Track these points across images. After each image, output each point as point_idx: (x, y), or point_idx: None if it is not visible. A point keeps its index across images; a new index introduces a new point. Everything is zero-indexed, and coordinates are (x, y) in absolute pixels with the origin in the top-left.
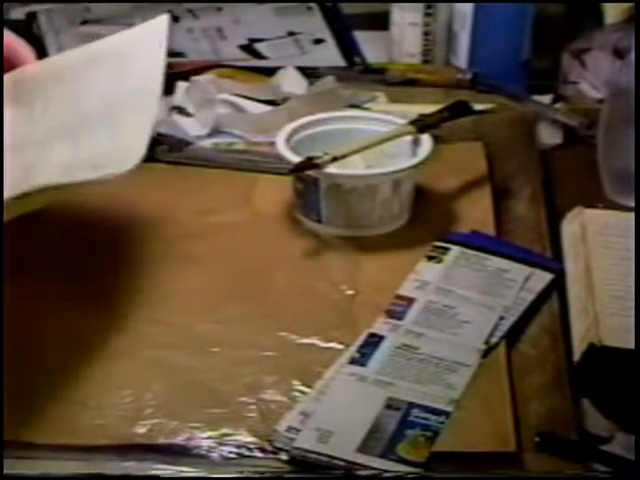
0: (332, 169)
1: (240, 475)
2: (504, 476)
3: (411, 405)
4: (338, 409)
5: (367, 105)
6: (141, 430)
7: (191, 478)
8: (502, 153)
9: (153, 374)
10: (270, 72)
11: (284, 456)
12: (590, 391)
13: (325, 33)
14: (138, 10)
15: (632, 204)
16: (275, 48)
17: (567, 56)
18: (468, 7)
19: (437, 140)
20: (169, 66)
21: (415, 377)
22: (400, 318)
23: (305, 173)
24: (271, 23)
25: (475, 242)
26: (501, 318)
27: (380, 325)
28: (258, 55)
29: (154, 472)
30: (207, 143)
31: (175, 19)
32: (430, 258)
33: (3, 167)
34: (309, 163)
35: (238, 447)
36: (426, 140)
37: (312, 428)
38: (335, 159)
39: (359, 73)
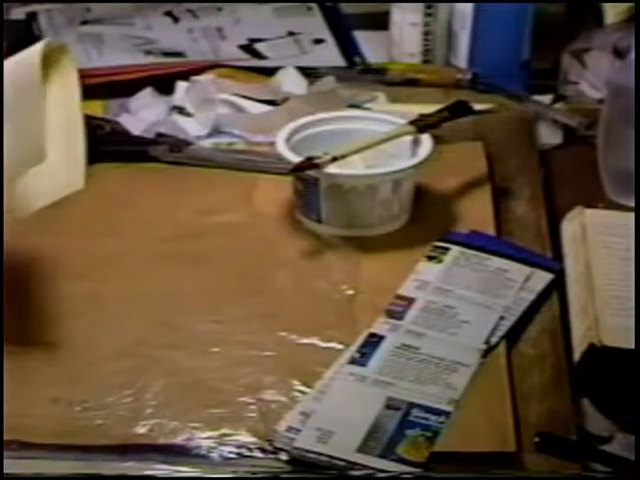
0: (332, 169)
1: (240, 475)
2: (504, 476)
3: (411, 405)
4: (338, 409)
5: (367, 105)
6: (141, 430)
7: (191, 478)
8: (502, 153)
9: (153, 374)
10: (270, 72)
11: (284, 456)
12: (590, 391)
13: (325, 33)
14: (138, 10)
15: (632, 204)
16: (275, 48)
17: (567, 56)
18: (468, 7)
19: (437, 140)
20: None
21: (415, 377)
22: (400, 318)
23: (305, 173)
24: (271, 23)
25: (475, 242)
26: (501, 318)
27: (380, 325)
28: (258, 55)
29: (154, 472)
30: (207, 143)
31: (175, 19)
32: (430, 258)
33: (3, 169)
34: (309, 163)
35: (238, 447)
36: (426, 140)
37: (312, 428)
38: (335, 159)
39: (359, 73)
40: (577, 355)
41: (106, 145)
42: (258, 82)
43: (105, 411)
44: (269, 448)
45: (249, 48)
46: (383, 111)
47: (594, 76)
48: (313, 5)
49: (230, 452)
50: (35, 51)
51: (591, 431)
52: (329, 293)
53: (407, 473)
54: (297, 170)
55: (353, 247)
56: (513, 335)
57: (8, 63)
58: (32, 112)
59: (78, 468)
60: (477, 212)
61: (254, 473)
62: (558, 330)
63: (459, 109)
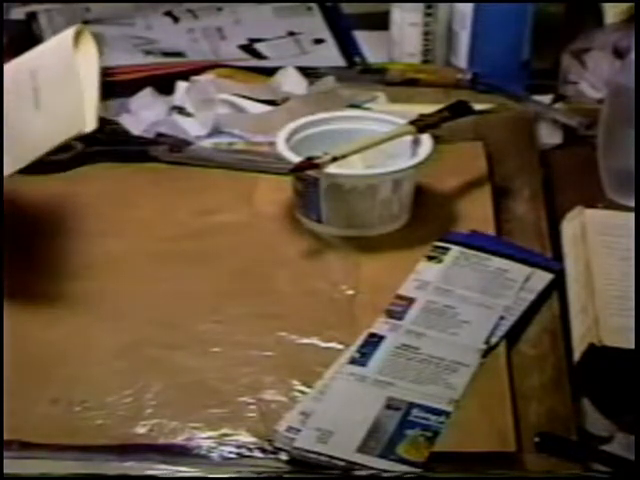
0: (332, 169)
1: (240, 475)
2: (504, 476)
3: (411, 405)
4: (338, 409)
5: (367, 105)
6: (141, 430)
7: (190, 478)
8: (502, 153)
9: (153, 374)
10: (270, 72)
11: (284, 456)
12: (590, 391)
13: (325, 33)
14: (138, 10)
15: (632, 204)
16: (275, 48)
17: (567, 56)
18: (468, 7)
19: (437, 140)
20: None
21: (415, 377)
22: (400, 318)
23: (305, 173)
24: (271, 23)
25: (475, 242)
26: (501, 318)
27: (380, 325)
28: (258, 55)
29: (154, 472)
30: (207, 143)
31: (175, 19)
32: (430, 258)
33: (3, 172)
34: (309, 163)
35: (238, 447)
36: (426, 140)
37: (312, 428)
38: (335, 159)
39: (359, 73)
40: (577, 355)
41: (106, 145)
42: (258, 82)
43: (105, 411)
44: (269, 448)
45: (249, 48)
46: (383, 111)
47: (594, 76)
48: (313, 5)
49: (230, 452)
50: (68, 36)
51: (591, 431)
52: (329, 293)
53: (407, 473)
54: (297, 170)
55: (353, 247)
56: (513, 335)
57: (42, 48)
58: (72, 91)
59: (78, 468)
60: (477, 212)
61: (254, 473)
62: (558, 330)
63: (459, 109)
